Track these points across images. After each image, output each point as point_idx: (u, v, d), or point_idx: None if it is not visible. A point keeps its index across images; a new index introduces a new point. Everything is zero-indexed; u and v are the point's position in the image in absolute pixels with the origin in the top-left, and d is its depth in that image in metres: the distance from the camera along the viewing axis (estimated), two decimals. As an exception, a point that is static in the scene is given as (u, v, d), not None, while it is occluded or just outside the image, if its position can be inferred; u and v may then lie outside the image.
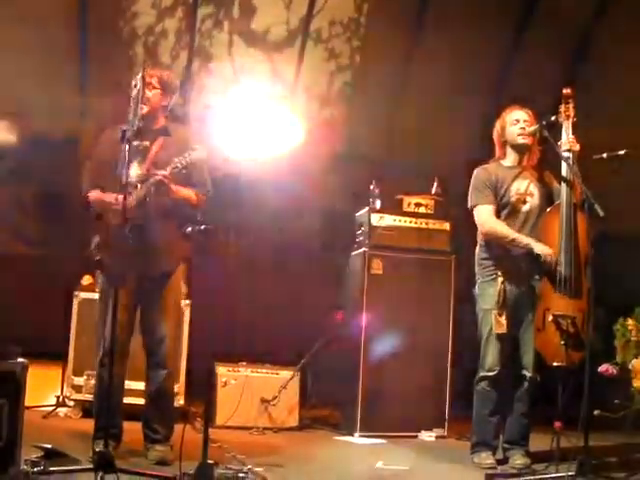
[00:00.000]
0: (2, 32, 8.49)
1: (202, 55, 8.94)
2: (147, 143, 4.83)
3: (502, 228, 5.21)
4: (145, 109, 4.79)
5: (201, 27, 8.85)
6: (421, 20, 8.83)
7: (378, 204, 6.91)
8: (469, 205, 5.38)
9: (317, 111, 9.00)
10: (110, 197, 4.77)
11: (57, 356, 6.64)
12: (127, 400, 5.12)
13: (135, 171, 4.70)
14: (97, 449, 4.33)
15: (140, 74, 4.68)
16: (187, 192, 4.92)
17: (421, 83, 9.00)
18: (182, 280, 5.28)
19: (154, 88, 4.96)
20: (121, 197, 4.42)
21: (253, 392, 6.60)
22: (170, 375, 5.03)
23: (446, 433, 6.67)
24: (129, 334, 4.93)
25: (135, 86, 4.82)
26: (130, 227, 4.52)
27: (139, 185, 4.71)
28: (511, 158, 5.40)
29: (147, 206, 4.74)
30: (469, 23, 8.68)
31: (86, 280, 6.66)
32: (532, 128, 5.30)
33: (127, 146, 4.44)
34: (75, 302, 6.60)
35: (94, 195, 4.91)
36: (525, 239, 5.14)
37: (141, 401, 5.17)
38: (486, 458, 5.25)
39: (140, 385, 5.26)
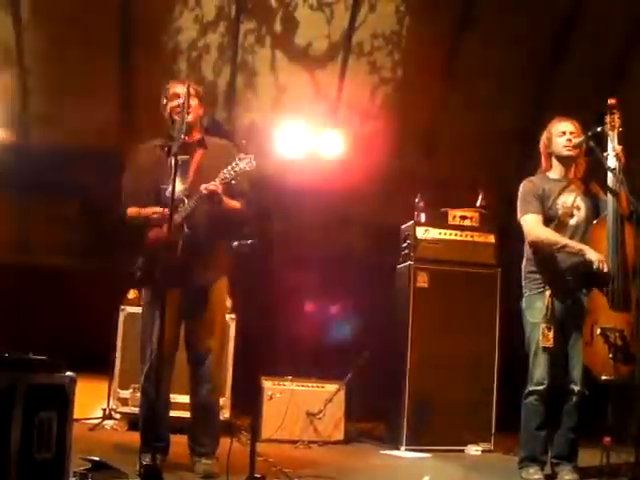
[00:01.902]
0: (47, 47, 8.65)
1: (245, 70, 9.00)
2: (187, 156, 4.84)
3: (552, 235, 5.17)
4: (190, 117, 4.83)
5: (244, 42, 8.92)
6: (463, 34, 8.80)
7: (423, 217, 6.91)
8: (518, 217, 5.34)
9: (360, 124, 9.00)
10: (151, 210, 4.80)
11: (104, 369, 6.70)
12: (172, 413, 5.16)
13: (178, 185, 4.71)
14: (144, 462, 4.37)
15: (179, 86, 4.74)
16: (234, 204, 4.93)
17: (463, 96, 8.98)
18: (226, 293, 5.26)
19: (194, 97, 4.97)
20: (167, 211, 4.46)
21: (299, 406, 6.62)
22: (215, 389, 5.02)
23: (492, 447, 6.63)
24: (174, 348, 4.91)
25: (169, 98, 4.89)
26: (177, 241, 4.55)
27: (186, 200, 4.72)
28: (557, 170, 5.37)
29: (194, 220, 4.74)
30: (509, 39, 8.64)
31: (132, 294, 6.72)
32: (578, 140, 5.26)
33: (173, 160, 4.48)
34: (121, 316, 6.67)
35: (133, 211, 4.93)
36: (577, 245, 5.08)
37: (186, 414, 5.19)
38: (534, 473, 5.20)
39: (185, 398, 5.28)
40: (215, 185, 4.65)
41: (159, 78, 8.49)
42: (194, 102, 4.94)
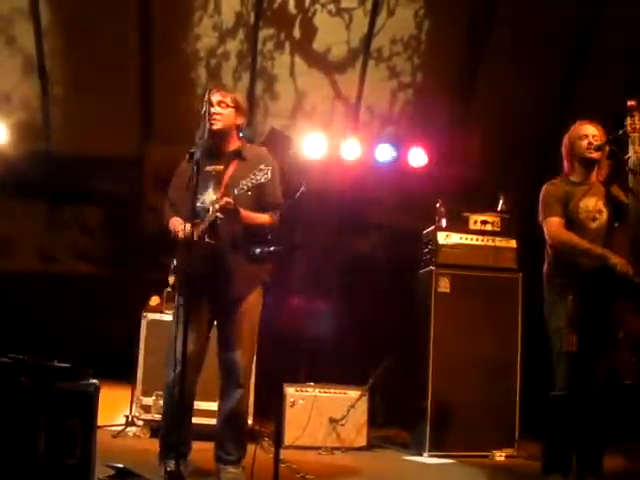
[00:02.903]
0: (68, 55, 8.72)
1: (264, 77, 9.06)
2: (221, 167, 4.84)
3: (574, 238, 5.15)
4: (219, 125, 4.84)
5: (262, 49, 8.97)
6: (484, 38, 8.81)
7: (444, 222, 6.91)
8: (539, 220, 5.33)
9: (379, 130, 9.01)
10: (178, 223, 4.84)
11: (126, 376, 6.73)
12: (196, 420, 5.14)
13: (210, 196, 4.74)
14: (169, 468, 4.39)
15: (207, 94, 4.75)
16: (261, 218, 4.91)
17: (483, 101, 8.98)
18: (259, 304, 5.10)
19: (228, 107, 4.95)
20: (188, 225, 4.53)
21: (321, 412, 6.61)
22: (245, 396, 5.00)
23: (516, 453, 6.60)
24: (201, 355, 4.91)
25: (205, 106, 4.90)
26: (201, 251, 4.58)
27: (210, 209, 4.74)
28: (579, 173, 5.35)
29: (217, 232, 4.74)
30: (531, 41, 8.63)
31: (154, 301, 6.75)
32: (599, 143, 5.25)
33: (195, 168, 4.50)
34: (143, 323, 6.67)
35: (172, 223, 4.97)
36: (599, 249, 5.06)
37: (210, 421, 5.17)
38: None
39: (209, 405, 5.28)
40: (226, 201, 4.63)
41: (178, 86, 8.63)
42: (226, 110, 4.93)
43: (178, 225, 4.83)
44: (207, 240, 4.67)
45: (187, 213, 4.63)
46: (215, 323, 4.99)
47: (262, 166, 4.67)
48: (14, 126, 8.51)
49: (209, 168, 4.77)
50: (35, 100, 9.01)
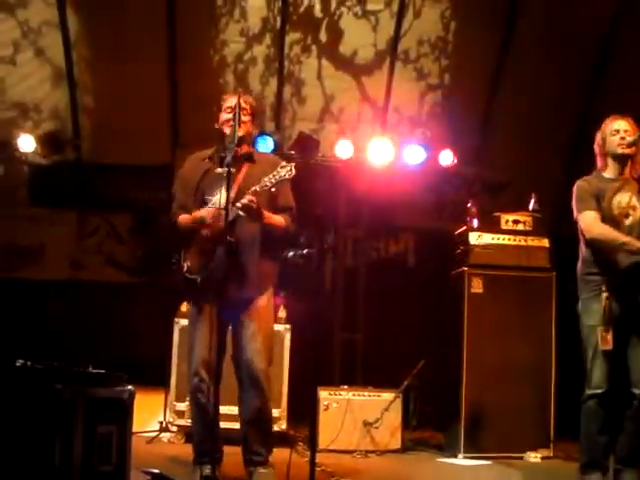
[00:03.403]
0: (96, 64, 8.79)
1: (292, 81, 9.09)
2: (234, 169, 4.83)
3: (611, 232, 5.08)
4: (241, 132, 4.82)
5: (289, 53, 9.00)
6: (509, 38, 8.77)
7: (475, 223, 6.88)
8: (574, 216, 5.27)
9: (409, 131, 8.99)
10: (205, 211, 4.80)
11: (160, 382, 6.75)
12: (223, 425, 5.07)
13: (222, 198, 4.69)
14: (205, 474, 4.39)
15: (235, 99, 4.74)
16: (276, 218, 4.90)
17: (511, 100, 8.94)
18: (272, 304, 5.13)
19: (248, 114, 4.97)
20: (211, 211, 4.57)
21: (355, 415, 6.58)
22: (264, 396, 4.90)
23: (552, 454, 6.53)
24: (220, 357, 4.82)
25: (222, 110, 4.91)
26: (221, 248, 4.56)
27: (230, 207, 4.68)
28: (612, 169, 5.28)
29: (236, 231, 4.70)
30: (558, 42, 8.58)
31: (185, 307, 6.73)
32: (632, 138, 5.18)
33: (226, 170, 4.49)
34: (176, 329, 6.68)
35: (183, 218, 4.93)
36: (638, 242, 5.01)
37: (235, 425, 5.12)
38: (597, 479, 5.12)
39: (233, 410, 5.21)
40: (249, 199, 4.61)
41: (206, 92, 8.64)
42: (246, 117, 4.94)
43: (208, 213, 4.78)
44: (227, 239, 4.59)
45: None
46: (229, 326, 4.93)
47: (283, 163, 4.67)
48: (44, 136, 8.56)
49: (220, 170, 4.76)
50: (64, 110, 9.12)
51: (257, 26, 8.88)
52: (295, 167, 4.66)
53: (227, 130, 4.86)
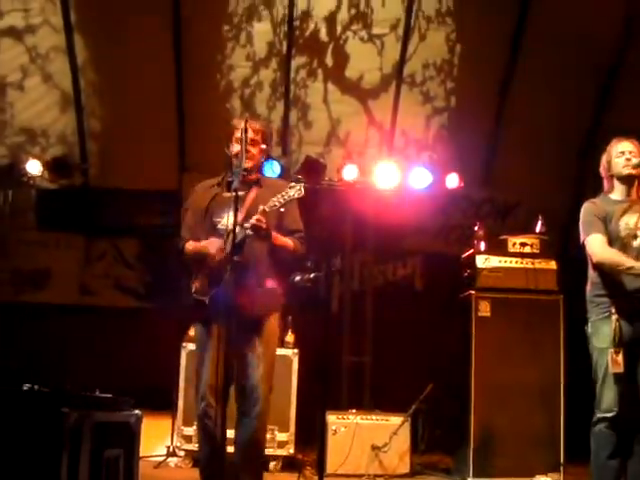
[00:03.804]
0: (104, 91, 8.84)
1: (298, 105, 9.12)
2: (243, 193, 4.81)
3: (617, 256, 5.06)
4: (250, 164, 4.83)
5: (296, 77, 9.05)
6: (515, 59, 8.79)
7: (482, 246, 6.86)
8: (581, 239, 5.25)
9: (415, 154, 9.00)
10: (205, 243, 4.79)
11: (167, 407, 6.72)
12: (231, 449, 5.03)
13: (229, 219, 4.66)
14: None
15: (243, 126, 4.74)
16: (284, 240, 4.87)
17: (519, 122, 8.94)
18: (277, 328, 5.06)
19: (258, 144, 4.94)
20: (218, 241, 4.55)
21: (363, 439, 6.54)
22: (263, 423, 4.83)
23: (562, 478, 6.47)
24: (228, 381, 4.68)
25: (235, 140, 4.89)
26: (227, 270, 4.52)
27: (237, 228, 4.67)
28: (619, 191, 5.27)
29: (243, 251, 4.67)
30: (564, 62, 8.59)
31: (193, 331, 6.72)
32: (637, 159, 5.18)
33: (234, 194, 4.48)
34: (183, 353, 6.69)
35: (190, 246, 4.90)
36: None
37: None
38: (608, 504, 5.06)
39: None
40: (258, 218, 4.58)
41: (213, 117, 8.69)
42: (255, 149, 4.93)
43: (213, 246, 4.76)
44: (235, 259, 4.57)
45: (216, 236, 4.69)
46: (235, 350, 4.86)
47: (292, 183, 4.65)
48: (52, 160, 8.59)
49: (227, 194, 4.75)
50: (72, 135, 9.15)
51: (263, 50, 8.94)
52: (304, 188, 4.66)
53: (236, 162, 4.82)
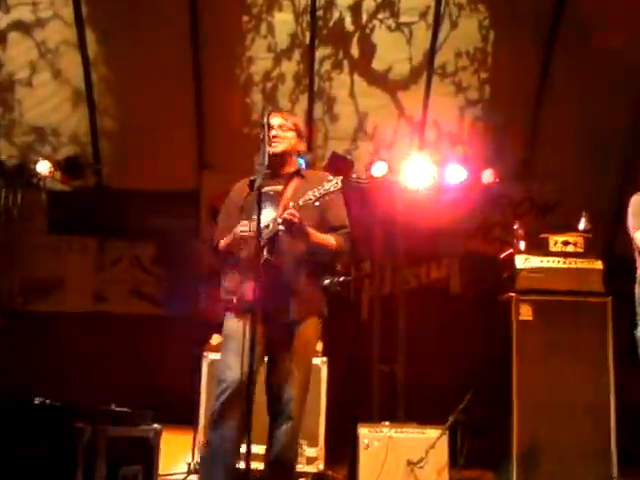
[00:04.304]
0: (119, 86, 8.81)
1: (323, 98, 9.05)
2: (280, 187, 4.72)
3: None
4: (280, 147, 4.75)
5: (320, 69, 8.97)
6: (553, 45, 8.65)
7: (522, 245, 6.77)
8: (630, 233, 5.13)
9: (448, 149, 8.89)
10: (238, 229, 4.65)
11: (188, 420, 6.64)
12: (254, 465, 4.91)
13: (268, 216, 4.58)
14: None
15: (278, 118, 4.70)
16: (324, 237, 4.72)
17: (557, 113, 8.81)
18: (316, 335, 4.95)
19: (289, 130, 4.86)
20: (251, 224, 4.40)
21: (398, 454, 6.41)
22: (295, 437, 4.71)
23: (614, 496, 6.36)
24: (251, 384, 4.33)
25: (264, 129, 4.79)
26: (262, 265, 4.40)
27: (270, 225, 4.56)
28: (671, 183, 5.18)
29: (278, 249, 4.57)
30: (606, 49, 8.45)
31: (215, 340, 6.64)
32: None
33: (257, 196, 4.38)
34: (204, 364, 6.60)
35: (223, 243, 4.81)
36: None
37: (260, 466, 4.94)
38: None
39: (260, 449, 5.03)
40: (290, 213, 4.45)
41: (234, 113, 8.63)
42: (288, 133, 4.84)
43: (243, 228, 4.62)
44: (266, 257, 4.48)
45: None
46: (266, 354, 4.72)
47: (330, 177, 4.54)
48: (63, 161, 8.55)
49: (266, 189, 4.63)
50: (84, 134, 9.13)
51: (285, 42, 8.87)
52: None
53: (268, 148, 4.71)
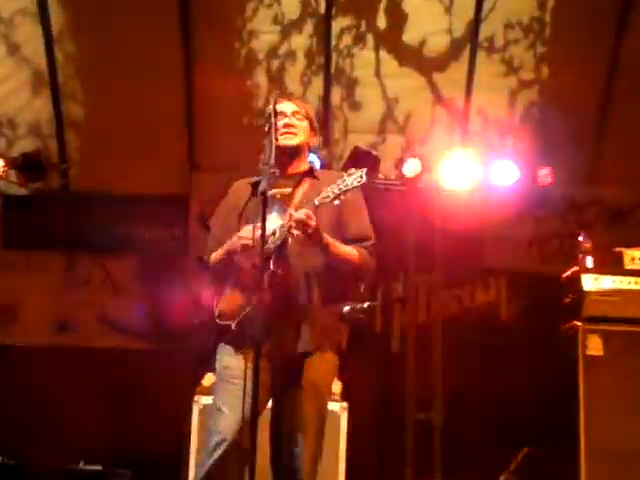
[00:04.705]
0: (87, 67, 8.83)
1: (342, 81, 9.06)
2: (288, 189, 4.68)
3: None
4: (294, 140, 4.73)
5: (338, 44, 8.97)
6: (627, 13, 8.62)
7: (590, 262, 6.74)
8: None
9: (497, 142, 8.89)
10: (236, 237, 4.60)
11: (174, 477, 6.62)
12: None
13: (275, 221, 4.51)
14: None
15: (273, 103, 4.62)
16: (345, 249, 4.64)
17: (632, 100, 8.78)
18: (332, 371, 4.83)
19: (305, 118, 4.84)
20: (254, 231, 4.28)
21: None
22: None
23: None
24: (253, 435, 4.25)
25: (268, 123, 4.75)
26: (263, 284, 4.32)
27: (277, 231, 4.49)
28: None
29: (286, 262, 4.50)
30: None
31: (208, 380, 6.63)
32: None
33: (262, 202, 4.32)
34: (195, 409, 6.56)
35: (217, 256, 4.74)
36: None
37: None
38: None
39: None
40: (306, 214, 4.34)
41: (232, 98, 8.61)
42: (303, 123, 4.83)
43: (244, 235, 4.52)
44: (272, 269, 4.39)
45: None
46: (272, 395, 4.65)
47: (352, 170, 4.43)
48: (21, 158, 8.54)
49: (272, 192, 4.57)
50: (47, 124, 9.12)
51: (295, 11, 8.87)
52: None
53: (278, 141, 4.67)
